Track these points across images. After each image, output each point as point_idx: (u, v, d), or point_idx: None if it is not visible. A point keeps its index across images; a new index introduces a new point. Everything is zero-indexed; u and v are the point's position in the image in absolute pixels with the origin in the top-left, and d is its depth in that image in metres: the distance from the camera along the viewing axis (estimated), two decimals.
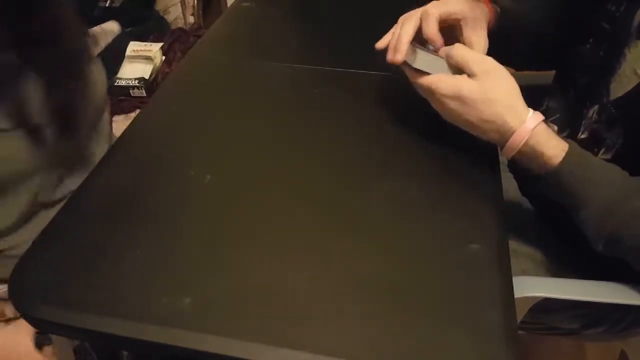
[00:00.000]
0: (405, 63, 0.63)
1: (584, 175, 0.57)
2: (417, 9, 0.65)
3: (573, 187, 0.57)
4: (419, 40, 0.64)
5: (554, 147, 0.58)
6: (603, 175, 0.57)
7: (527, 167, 0.61)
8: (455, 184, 0.63)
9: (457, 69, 0.61)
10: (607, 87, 0.64)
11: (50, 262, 0.55)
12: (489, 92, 0.58)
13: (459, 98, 0.59)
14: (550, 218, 0.80)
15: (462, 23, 0.67)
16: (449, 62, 0.62)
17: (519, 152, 0.59)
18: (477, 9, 0.69)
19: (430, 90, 0.62)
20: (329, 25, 1.02)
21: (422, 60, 0.62)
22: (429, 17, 0.64)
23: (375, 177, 0.64)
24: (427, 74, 0.62)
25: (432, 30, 0.64)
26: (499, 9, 0.75)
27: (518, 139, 0.58)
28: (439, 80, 0.61)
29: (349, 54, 0.89)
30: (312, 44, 0.96)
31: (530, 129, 0.57)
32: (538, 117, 0.58)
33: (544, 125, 0.58)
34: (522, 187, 0.82)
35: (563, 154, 0.57)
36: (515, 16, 0.77)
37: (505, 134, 0.59)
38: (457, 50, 0.61)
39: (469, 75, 0.60)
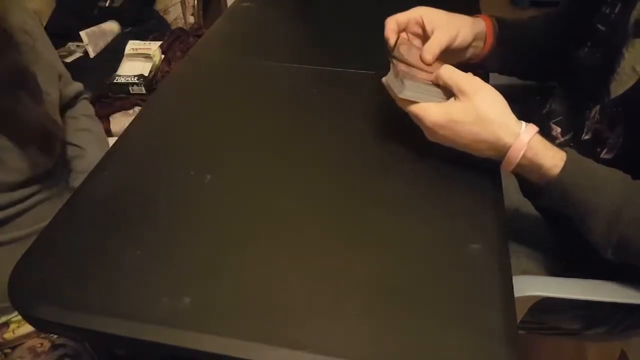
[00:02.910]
0: (390, 89, 0.63)
1: (585, 183, 0.57)
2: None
3: (576, 196, 0.57)
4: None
5: (552, 157, 0.57)
6: (605, 181, 0.57)
7: (528, 179, 0.61)
8: (455, 184, 0.63)
9: (447, 92, 0.61)
10: (608, 87, 0.64)
11: (50, 262, 0.55)
12: (479, 111, 0.58)
13: (448, 123, 0.59)
14: (551, 218, 0.80)
15: (427, 26, 0.68)
16: (438, 84, 0.62)
17: (518, 165, 0.59)
18: (457, 20, 0.70)
19: (418, 118, 0.61)
20: (329, 25, 1.02)
21: (409, 89, 0.61)
22: (389, 21, 0.69)
23: (375, 177, 0.64)
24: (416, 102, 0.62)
25: (389, 28, 0.69)
26: (495, 21, 0.75)
27: (515, 154, 0.58)
28: (427, 108, 0.60)
29: (348, 54, 0.89)
30: (312, 44, 0.96)
31: (525, 142, 0.57)
32: (532, 129, 0.58)
33: (539, 137, 0.58)
34: (522, 188, 0.82)
35: (562, 164, 0.57)
36: (512, 24, 0.78)
37: (501, 151, 0.59)
38: (446, 70, 0.61)
39: (456, 97, 0.60)
